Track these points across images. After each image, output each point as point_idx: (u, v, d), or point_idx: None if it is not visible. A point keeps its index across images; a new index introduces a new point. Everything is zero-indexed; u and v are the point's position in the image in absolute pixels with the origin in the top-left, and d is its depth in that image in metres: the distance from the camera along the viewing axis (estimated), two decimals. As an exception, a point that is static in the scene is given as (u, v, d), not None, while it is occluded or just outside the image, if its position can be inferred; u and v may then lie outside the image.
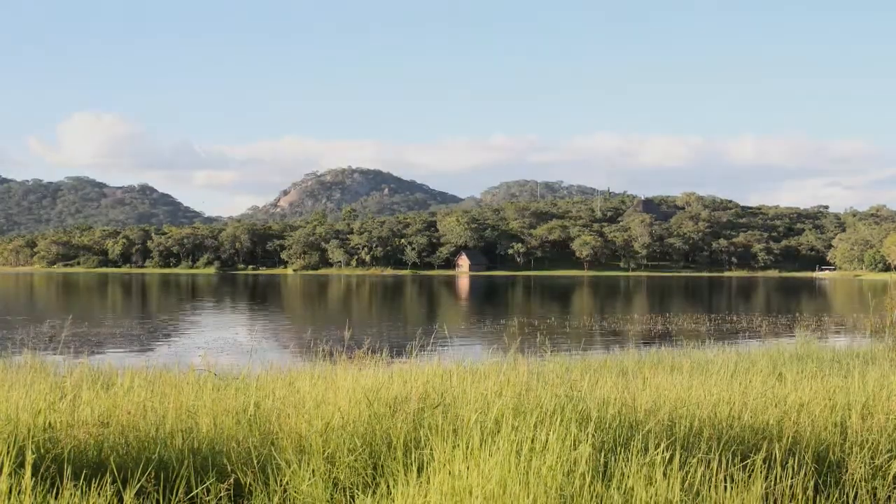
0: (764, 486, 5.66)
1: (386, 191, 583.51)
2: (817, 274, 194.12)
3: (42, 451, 6.06)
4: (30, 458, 5.37)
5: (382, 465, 6.32)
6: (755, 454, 6.23)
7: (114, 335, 34.27)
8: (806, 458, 6.49)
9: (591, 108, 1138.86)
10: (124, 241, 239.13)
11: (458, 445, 5.91)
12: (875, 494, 6.37)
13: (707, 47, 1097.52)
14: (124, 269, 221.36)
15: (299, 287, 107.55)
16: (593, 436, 6.08)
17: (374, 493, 5.93)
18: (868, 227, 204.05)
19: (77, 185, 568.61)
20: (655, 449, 5.91)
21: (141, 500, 5.77)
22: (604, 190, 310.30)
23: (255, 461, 6.28)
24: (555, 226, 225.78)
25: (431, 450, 6.06)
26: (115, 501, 5.64)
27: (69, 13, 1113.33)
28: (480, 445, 5.86)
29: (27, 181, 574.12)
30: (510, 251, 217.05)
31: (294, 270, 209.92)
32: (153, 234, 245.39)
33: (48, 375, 9.86)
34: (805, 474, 6.05)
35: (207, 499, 5.97)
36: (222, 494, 5.91)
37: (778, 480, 5.92)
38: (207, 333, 35.86)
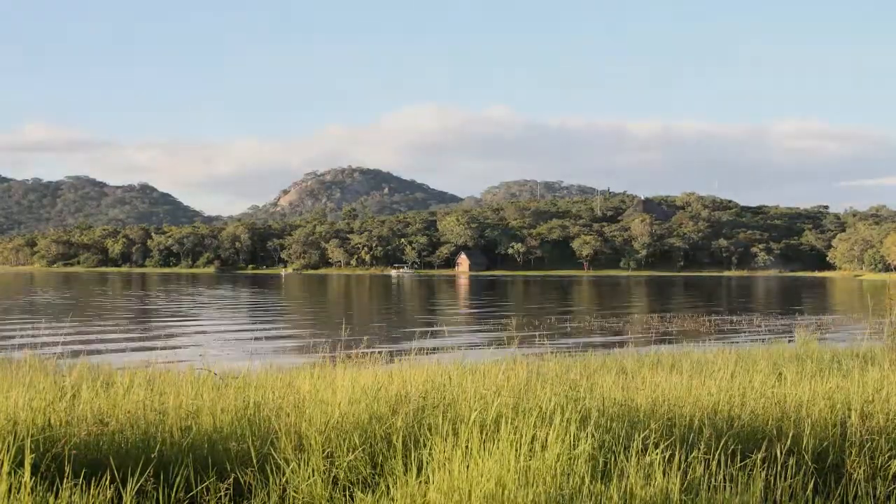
0: (763, 485, 5.66)
1: (386, 190, 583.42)
2: (817, 274, 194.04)
3: (41, 450, 6.05)
4: (29, 457, 5.36)
5: (382, 464, 6.32)
6: (755, 454, 6.23)
7: (113, 334, 34.28)
8: (806, 458, 6.49)
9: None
10: (124, 240, 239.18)
11: (458, 445, 5.91)
12: (875, 494, 6.37)
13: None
14: (124, 269, 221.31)
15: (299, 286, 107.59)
16: (593, 435, 6.07)
17: (373, 491, 5.93)
18: (868, 227, 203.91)
19: (77, 185, 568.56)
20: (655, 448, 5.91)
21: (141, 499, 5.77)
22: (604, 189, 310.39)
23: (255, 460, 6.28)
24: (555, 225, 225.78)
25: (431, 449, 6.06)
26: (115, 500, 5.64)
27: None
28: (480, 445, 5.86)
29: (27, 180, 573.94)
30: (510, 251, 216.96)
31: (294, 270, 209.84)
32: (153, 234, 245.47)
33: (47, 374, 9.85)
34: (805, 474, 6.05)
35: (207, 498, 5.97)
36: (222, 493, 5.91)
37: (778, 480, 5.92)
38: (207, 333, 35.85)
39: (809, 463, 6.38)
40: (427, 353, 12.22)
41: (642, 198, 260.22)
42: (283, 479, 6.08)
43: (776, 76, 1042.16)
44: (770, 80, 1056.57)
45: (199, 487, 5.98)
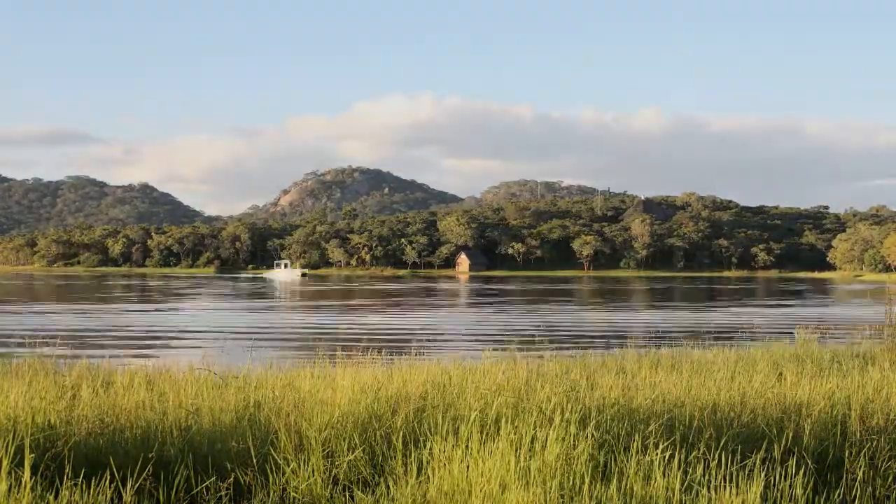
0: (763, 485, 5.66)
1: (386, 190, 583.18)
2: (817, 274, 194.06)
3: (41, 449, 6.06)
4: (29, 456, 5.36)
5: (382, 464, 6.32)
6: (755, 454, 6.23)
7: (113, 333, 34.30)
8: (806, 458, 6.49)
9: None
10: (124, 240, 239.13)
11: (458, 444, 5.92)
12: (875, 494, 6.37)
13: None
14: (125, 269, 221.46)
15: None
16: (593, 435, 6.08)
17: (373, 491, 5.93)
18: (868, 228, 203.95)
19: (77, 184, 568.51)
20: (655, 448, 5.91)
21: (141, 498, 5.76)
22: (604, 189, 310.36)
23: (255, 460, 6.28)
24: (555, 225, 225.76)
25: (431, 449, 6.06)
26: (115, 500, 5.64)
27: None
28: (480, 445, 5.86)
29: (27, 180, 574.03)
30: (510, 251, 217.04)
31: (302, 273, 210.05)
32: (153, 233, 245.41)
33: (47, 374, 9.85)
34: (805, 474, 6.05)
35: (207, 498, 5.97)
36: (222, 493, 5.91)
37: (778, 480, 5.92)
38: (207, 332, 35.85)
39: (809, 463, 6.38)
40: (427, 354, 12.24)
41: (642, 198, 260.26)
42: (284, 479, 6.09)
43: (775, 73, 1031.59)
44: (768, 77, 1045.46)
45: (200, 487, 5.98)
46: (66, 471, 5.70)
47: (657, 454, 5.71)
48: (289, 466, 6.12)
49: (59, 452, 6.06)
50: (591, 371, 11.80)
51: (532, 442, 5.87)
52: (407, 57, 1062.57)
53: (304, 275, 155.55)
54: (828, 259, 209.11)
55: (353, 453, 6.29)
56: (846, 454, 6.75)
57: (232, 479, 6.06)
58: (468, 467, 5.66)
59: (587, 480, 5.43)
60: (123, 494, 5.45)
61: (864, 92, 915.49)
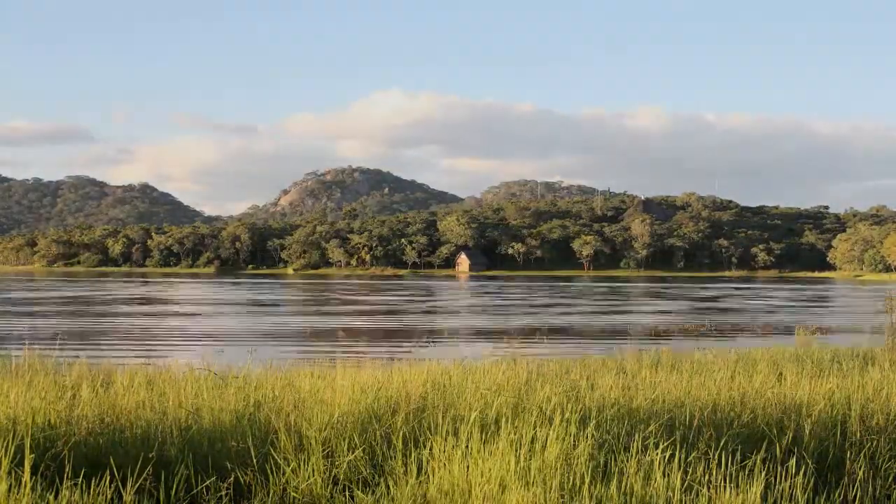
0: (764, 485, 5.66)
1: (386, 190, 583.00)
2: (817, 274, 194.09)
3: (41, 449, 6.05)
4: (29, 456, 5.36)
5: (382, 464, 6.32)
6: (755, 454, 6.23)
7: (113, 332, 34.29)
8: (806, 457, 6.49)
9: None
10: (125, 240, 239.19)
11: (458, 445, 5.92)
12: (875, 494, 6.37)
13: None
14: (125, 269, 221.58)
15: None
16: (593, 435, 6.08)
17: (373, 491, 5.93)
18: (868, 228, 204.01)
19: (77, 184, 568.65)
20: (655, 448, 5.91)
21: (141, 498, 5.76)
22: (604, 189, 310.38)
23: (255, 460, 6.28)
24: (555, 225, 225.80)
25: (431, 448, 6.06)
26: (115, 500, 5.64)
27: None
28: (480, 445, 5.86)
29: (27, 180, 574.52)
30: (510, 251, 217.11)
31: (294, 270, 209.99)
32: (153, 233, 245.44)
33: (47, 374, 9.85)
34: (805, 474, 6.05)
35: (207, 497, 5.97)
36: (222, 493, 5.90)
37: (778, 480, 5.91)
38: (208, 331, 35.85)
39: (810, 463, 6.38)
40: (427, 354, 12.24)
41: (642, 198, 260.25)
42: (284, 479, 6.08)
43: (776, 73, 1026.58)
44: (769, 77, 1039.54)
45: (200, 487, 5.98)
46: (66, 471, 5.69)
47: (657, 454, 5.71)
48: (289, 466, 6.12)
49: (59, 452, 6.05)
50: (591, 371, 11.80)
51: (532, 442, 5.87)
52: (406, 56, 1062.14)
53: None
54: (828, 259, 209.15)
55: (353, 453, 6.29)
56: (846, 454, 6.75)
57: (232, 478, 6.06)
58: (468, 467, 5.66)
59: (587, 480, 5.43)
60: (123, 494, 5.45)
61: (865, 92, 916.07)
